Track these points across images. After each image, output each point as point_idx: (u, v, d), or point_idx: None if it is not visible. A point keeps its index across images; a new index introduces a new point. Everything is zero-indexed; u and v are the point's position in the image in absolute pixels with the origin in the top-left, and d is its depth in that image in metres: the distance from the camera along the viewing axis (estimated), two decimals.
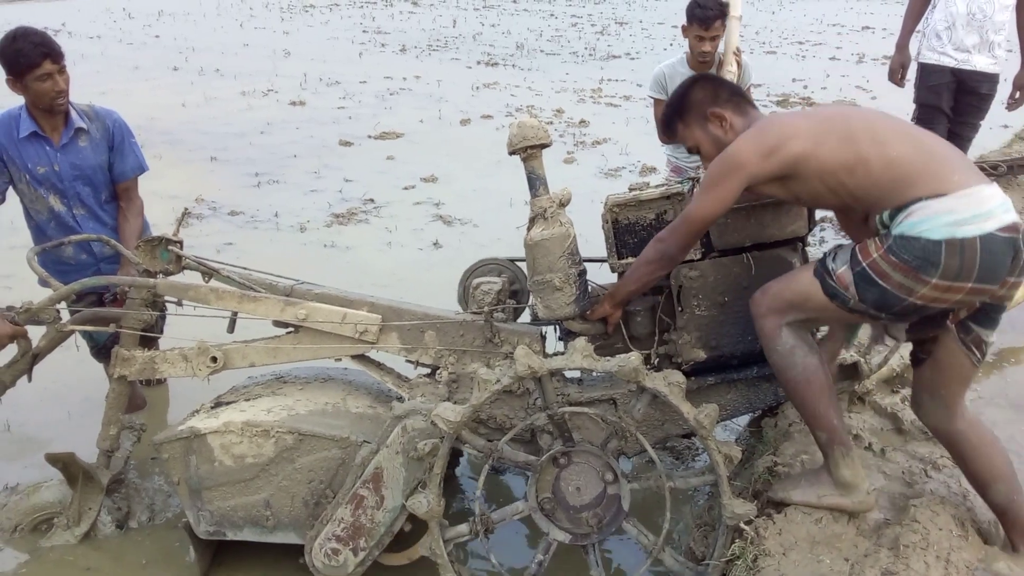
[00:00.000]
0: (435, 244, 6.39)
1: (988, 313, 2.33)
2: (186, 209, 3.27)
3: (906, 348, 3.08)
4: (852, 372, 2.92)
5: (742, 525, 2.48)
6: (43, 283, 3.31)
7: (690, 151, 2.66)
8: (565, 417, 2.59)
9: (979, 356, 2.38)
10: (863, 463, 2.72)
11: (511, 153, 2.65)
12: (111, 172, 3.74)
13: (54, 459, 3.07)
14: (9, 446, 3.84)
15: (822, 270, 2.34)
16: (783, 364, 2.41)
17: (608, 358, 2.47)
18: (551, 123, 10.09)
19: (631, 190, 2.87)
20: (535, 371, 2.46)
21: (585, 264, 2.76)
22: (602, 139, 9.30)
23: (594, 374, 2.83)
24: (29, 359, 3.08)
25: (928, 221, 2.17)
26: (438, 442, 2.57)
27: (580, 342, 2.51)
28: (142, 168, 3.83)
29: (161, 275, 3.10)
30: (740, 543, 2.47)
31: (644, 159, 8.37)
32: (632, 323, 2.83)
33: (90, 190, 3.71)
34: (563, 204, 2.73)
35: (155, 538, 3.27)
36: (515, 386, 2.75)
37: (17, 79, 3.45)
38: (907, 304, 2.24)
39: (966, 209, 2.16)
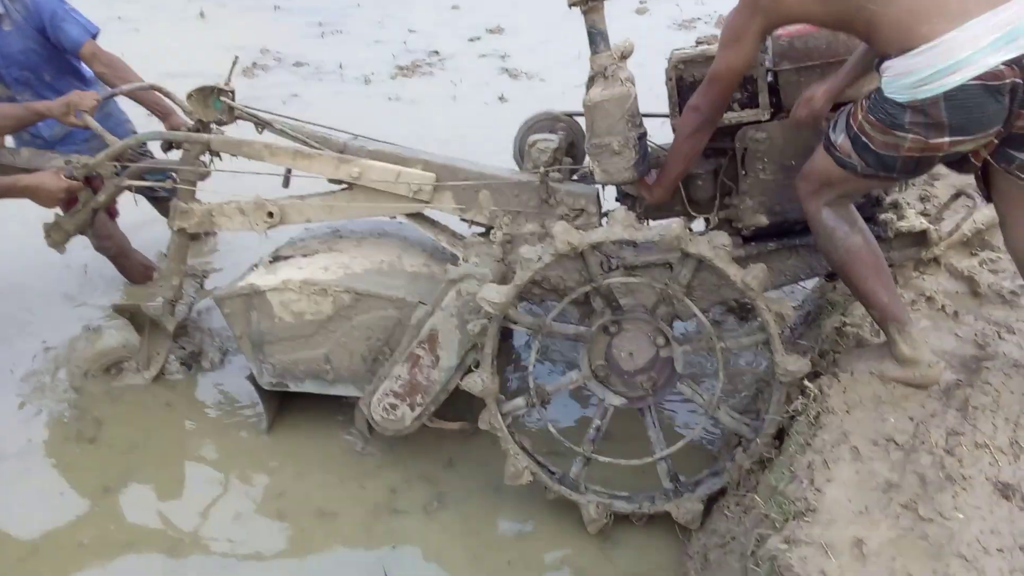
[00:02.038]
0: (500, 98, 6.27)
1: (1021, 140, 2.17)
2: (236, 57, 3.19)
3: (980, 212, 2.97)
4: (921, 239, 2.79)
5: (805, 382, 2.47)
6: None
7: None
8: (612, 287, 2.56)
9: None
10: (936, 325, 2.69)
11: (571, 5, 2.50)
12: (61, 47, 3.50)
13: (121, 310, 3.20)
14: (86, 287, 4.02)
15: (827, 143, 2.27)
16: (826, 246, 2.38)
17: (650, 226, 2.41)
18: None
19: (698, 44, 2.71)
20: (575, 247, 2.44)
21: (646, 123, 2.64)
22: None
23: None
24: (89, 210, 3.17)
25: (894, 83, 2.08)
26: (486, 322, 2.58)
27: (620, 212, 2.46)
28: (88, 31, 3.52)
29: (214, 125, 3.09)
30: (803, 400, 2.46)
31: (721, 8, 7.89)
32: (692, 186, 2.74)
33: (29, 73, 3.51)
34: (624, 57, 2.60)
35: (226, 377, 3.44)
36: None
37: None
38: (902, 160, 2.15)
39: (927, 66, 2.01)
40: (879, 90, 2.14)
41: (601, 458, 2.67)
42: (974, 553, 1.90)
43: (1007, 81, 2.00)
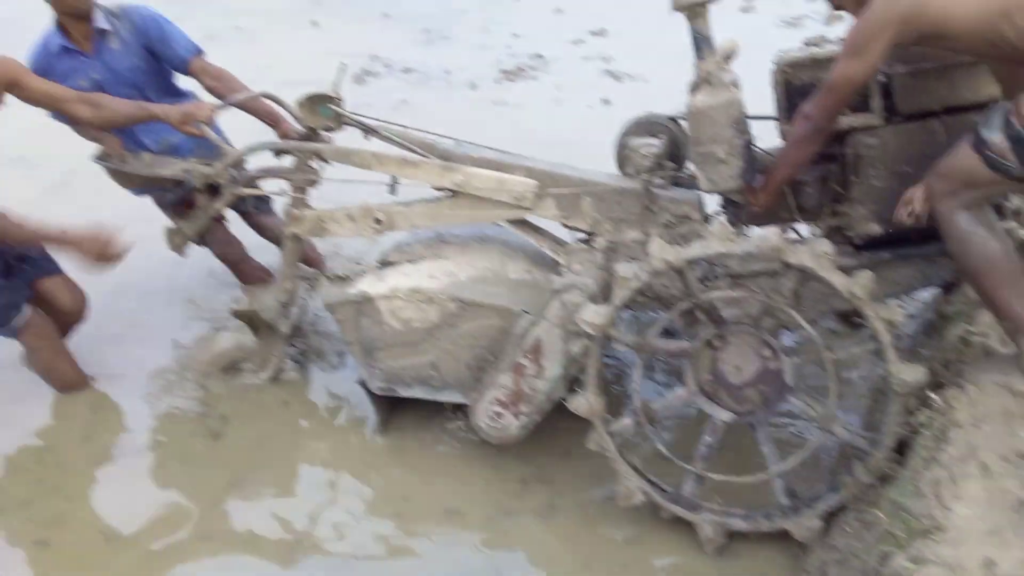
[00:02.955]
0: (604, 101, 6.22)
1: None
2: (345, 65, 3.25)
3: None
4: None
5: (930, 394, 2.39)
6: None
7: (835, 8, 2.44)
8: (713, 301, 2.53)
9: None
10: None
11: (675, 9, 2.49)
12: (170, 64, 3.56)
13: (240, 314, 3.36)
14: (210, 290, 4.16)
15: (977, 141, 2.15)
16: (959, 251, 2.28)
17: (748, 238, 2.39)
18: None
19: (807, 45, 2.64)
20: (672, 264, 2.42)
21: (753, 126, 2.60)
22: None
23: None
24: (208, 216, 3.35)
25: None
26: (589, 343, 2.58)
27: (717, 225, 2.43)
28: (194, 47, 3.55)
29: (323, 131, 3.19)
30: (927, 412, 2.39)
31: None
32: (801, 193, 2.67)
33: (134, 91, 3.48)
34: (729, 58, 2.57)
35: (342, 378, 3.54)
36: None
37: None
38: None
39: None
40: None
41: (714, 476, 2.63)
42: None
43: None
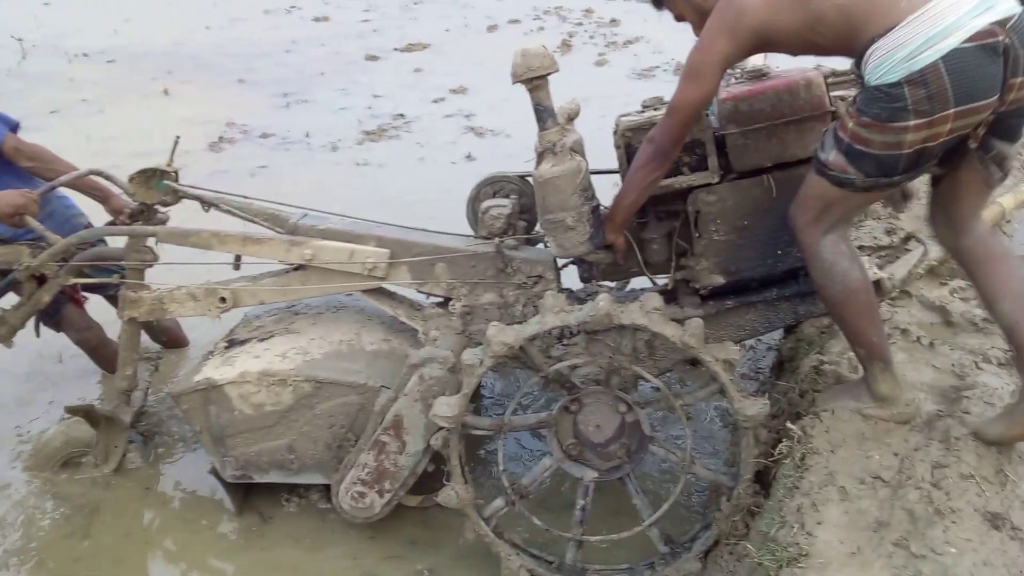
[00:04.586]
0: (468, 157, 6.30)
1: (1008, 124, 2.15)
2: (177, 137, 3.14)
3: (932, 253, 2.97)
4: (875, 289, 2.78)
5: (789, 425, 2.46)
6: None
7: (677, 19, 2.54)
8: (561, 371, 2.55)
9: (1001, 173, 2.25)
10: (912, 357, 2.70)
11: (515, 83, 2.48)
12: None
13: (74, 411, 3.15)
14: (63, 375, 3.96)
15: (819, 165, 2.22)
16: (822, 281, 2.31)
17: (580, 308, 2.43)
18: (581, 24, 9.73)
19: (644, 108, 2.69)
20: (511, 346, 2.44)
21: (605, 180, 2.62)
22: (634, 38, 8.96)
23: None
24: (33, 305, 3.13)
25: (883, 64, 2.02)
26: (447, 435, 2.56)
27: (549, 299, 2.46)
28: (7, 124, 3.37)
29: (159, 206, 3.06)
30: (787, 442, 2.45)
31: (679, 56, 7.98)
32: (648, 250, 2.71)
33: None
34: (571, 118, 2.58)
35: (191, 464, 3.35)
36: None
37: None
38: (905, 157, 2.09)
39: (916, 36, 1.98)
40: (865, 88, 2.09)
41: (593, 539, 2.63)
42: None
43: (1000, 39, 1.98)
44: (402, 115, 7.36)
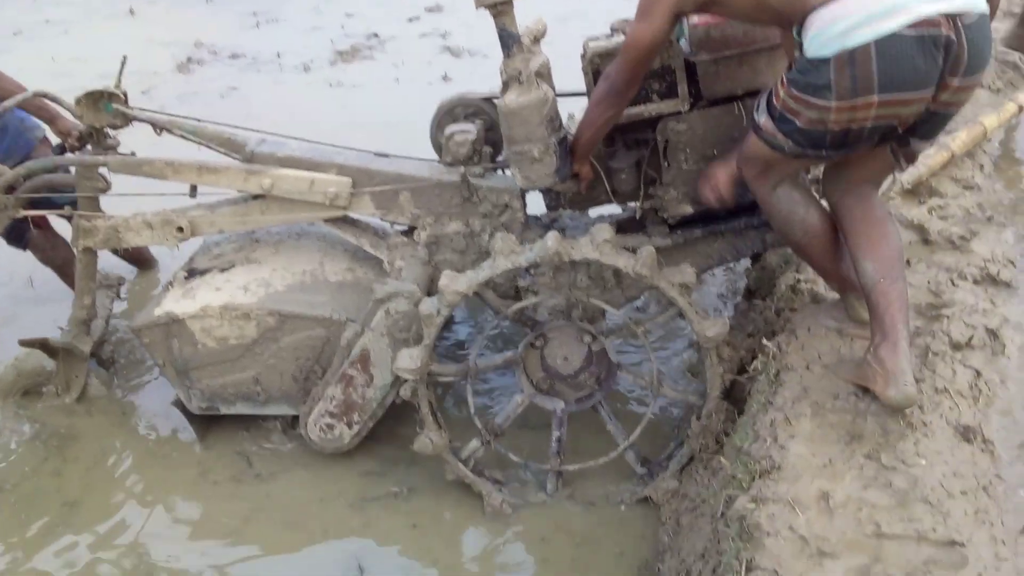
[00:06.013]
0: (444, 78, 6.15)
1: (931, 123, 2.09)
2: (124, 57, 2.99)
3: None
4: None
5: (764, 341, 2.50)
6: None
7: None
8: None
9: (904, 166, 2.26)
10: None
11: (478, 7, 2.35)
12: None
13: (29, 343, 3.10)
14: (32, 300, 3.92)
15: (754, 125, 2.18)
16: (783, 229, 2.35)
17: (530, 248, 2.43)
18: None
19: (613, 31, 2.59)
20: (464, 293, 2.44)
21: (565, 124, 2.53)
22: None
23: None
24: None
25: (820, 36, 1.95)
26: (414, 385, 2.55)
27: (499, 241, 2.45)
28: None
29: (108, 129, 2.94)
30: (762, 358, 2.48)
31: None
32: (616, 179, 2.65)
33: None
34: (537, 39, 2.49)
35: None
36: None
37: None
38: (831, 134, 2.04)
39: (859, 9, 1.90)
40: (799, 59, 2.02)
41: (571, 467, 2.68)
42: (938, 497, 1.92)
43: (943, 33, 1.90)
44: (376, 35, 7.17)
